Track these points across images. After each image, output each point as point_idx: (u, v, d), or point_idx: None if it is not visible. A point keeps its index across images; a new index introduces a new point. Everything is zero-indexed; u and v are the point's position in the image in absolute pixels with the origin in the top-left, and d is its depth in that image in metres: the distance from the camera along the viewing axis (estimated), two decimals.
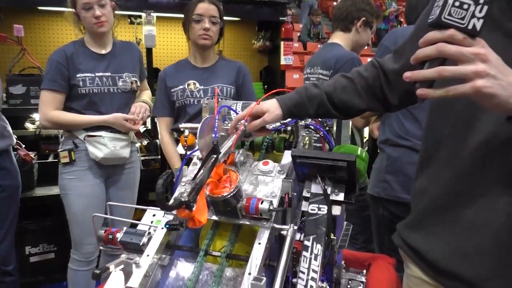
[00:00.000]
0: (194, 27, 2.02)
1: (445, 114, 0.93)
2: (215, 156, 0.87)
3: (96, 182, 2.14)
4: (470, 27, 0.69)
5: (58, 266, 2.62)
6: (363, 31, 2.37)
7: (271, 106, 1.06)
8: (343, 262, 1.29)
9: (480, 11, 0.69)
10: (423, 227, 0.97)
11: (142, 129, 3.17)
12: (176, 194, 0.88)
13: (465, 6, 0.69)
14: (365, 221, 2.33)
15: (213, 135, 0.98)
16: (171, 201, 0.72)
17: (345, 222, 1.31)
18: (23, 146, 2.59)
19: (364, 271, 1.37)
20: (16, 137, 2.46)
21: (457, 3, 0.69)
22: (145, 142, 3.26)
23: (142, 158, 3.05)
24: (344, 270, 1.31)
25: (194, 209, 0.76)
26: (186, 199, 0.72)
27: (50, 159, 3.01)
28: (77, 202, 2.09)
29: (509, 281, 0.83)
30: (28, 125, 3.20)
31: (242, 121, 1.06)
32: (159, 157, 3.20)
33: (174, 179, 1.14)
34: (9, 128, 2.18)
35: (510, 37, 0.80)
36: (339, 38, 2.38)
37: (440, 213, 0.92)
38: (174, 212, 0.77)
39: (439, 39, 0.70)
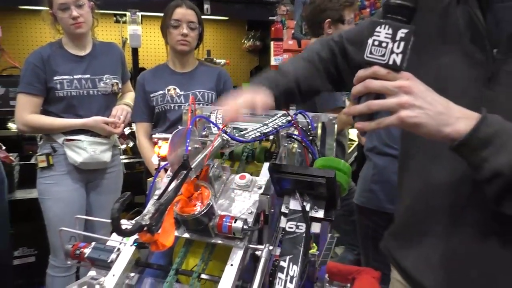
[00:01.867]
0: (172, 32, 1.98)
1: None
2: (185, 172, 0.81)
3: (75, 187, 2.07)
4: (391, 62, 0.74)
5: (38, 270, 2.54)
6: (336, 30, 2.20)
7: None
8: (326, 275, 1.25)
9: (398, 47, 0.74)
10: (400, 236, 1.02)
11: (127, 131, 3.11)
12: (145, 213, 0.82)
13: (384, 44, 0.75)
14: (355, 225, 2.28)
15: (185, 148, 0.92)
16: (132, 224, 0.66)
17: (329, 235, 1.27)
18: (3, 147, 2.52)
19: (348, 285, 1.33)
20: None
21: (376, 42, 0.76)
22: (131, 144, 3.20)
23: (127, 160, 3.00)
24: (327, 284, 1.27)
25: (159, 231, 0.71)
26: (148, 222, 0.66)
27: (33, 161, 2.93)
28: (55, 207, 2.03)
29: None
30: (10, 125, 3.12)
31: (219, 131, 1.01)
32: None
33: (147, 192, 1.09)
34: None
35: (468, 56, 0.85)
36: None
37: (413, 223, 0.97)
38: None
39: (366, 76, 0.76)
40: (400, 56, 0.74)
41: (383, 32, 0.76)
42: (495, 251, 0.84)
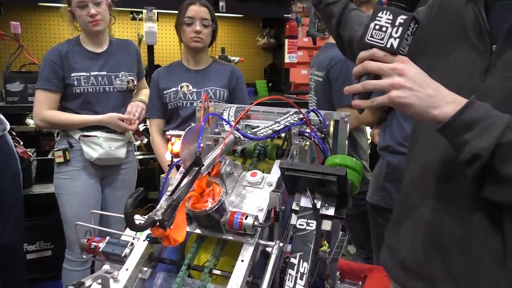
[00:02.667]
0: (186, 29, 2.00)
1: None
2: (197, 168, 0.82)
3: (91, 183, 2.11)
4: (388, 46, 0.80)
5: (54, 264, 2.60)
6: None
7: None
8: (337, 273, 1.25)
9: (396, 32, 0.80)
10: (397, 227, 1.05)
11: (141, 127, 3.15)
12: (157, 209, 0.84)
13: (384, 29, 0.81)
14: (369, 228, 2.26)
15: (197, 145, 0.93)
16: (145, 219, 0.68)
17: (340, 232, 1.27)
18: (22, 143, 2.57)
19: (360, 283, 1.32)
20: (14, 133, 2.45)
21: (377, 27, 0.81)
22: (145, 140, 3.23)
23: (142, 156, 3.03)
24: (338, 282, 1.27)
25: (171, 227, 0.72)
26: (160, 218, 0.68)
27: (50, 156, 2.98)
28: (71, 202, 2.07)
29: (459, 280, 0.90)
30: (28, 121, 3.18)
31: (231, 129, 1.02)
32: None
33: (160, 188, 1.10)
34: (1, 115, 2.18)
35: (472, 51, 0.89)
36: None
37: (408, 212, 1.01)
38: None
39: (366, 57, 0.82)
40: (397, 40, 0.79)
41: (384, 17, 0.81)
42: (480, 236, 0.86)
